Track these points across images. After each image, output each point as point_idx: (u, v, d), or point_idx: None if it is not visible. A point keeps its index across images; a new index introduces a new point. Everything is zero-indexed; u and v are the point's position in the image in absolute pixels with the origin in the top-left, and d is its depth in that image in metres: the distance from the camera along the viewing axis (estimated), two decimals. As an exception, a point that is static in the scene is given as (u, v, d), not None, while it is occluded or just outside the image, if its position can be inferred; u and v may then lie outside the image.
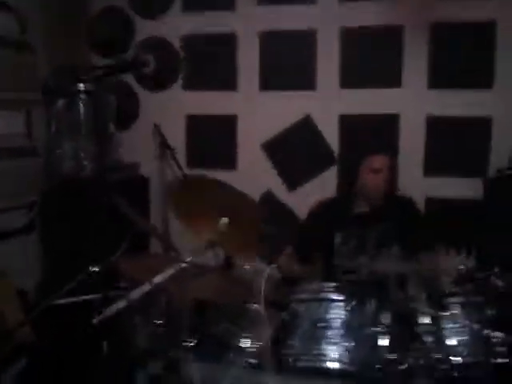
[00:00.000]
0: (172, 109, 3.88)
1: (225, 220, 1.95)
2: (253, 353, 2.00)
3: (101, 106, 3.59)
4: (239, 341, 2.04)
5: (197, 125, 3.88)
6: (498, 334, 1.95)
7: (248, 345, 2.03)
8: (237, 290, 2.09)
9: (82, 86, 3.47)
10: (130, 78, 3.97)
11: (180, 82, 3.90)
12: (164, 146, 3.06)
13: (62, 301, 2.05)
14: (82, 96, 3.48)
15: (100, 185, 3.38)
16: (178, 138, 3.78)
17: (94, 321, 1.72)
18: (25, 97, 3.42)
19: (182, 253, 2.07)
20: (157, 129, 3.06)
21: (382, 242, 2.70)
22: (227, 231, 1.94)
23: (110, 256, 2.12)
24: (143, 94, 3.98)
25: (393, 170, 2.78)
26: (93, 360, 2.07)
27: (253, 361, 1.98)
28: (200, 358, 1.97)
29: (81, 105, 3.51)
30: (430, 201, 3.41)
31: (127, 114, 3.94)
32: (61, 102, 3.50)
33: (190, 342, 2.00)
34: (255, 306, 2.03)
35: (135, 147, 3.83)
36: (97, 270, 2.14)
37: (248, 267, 2.31)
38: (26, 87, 3.40)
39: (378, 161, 2.74)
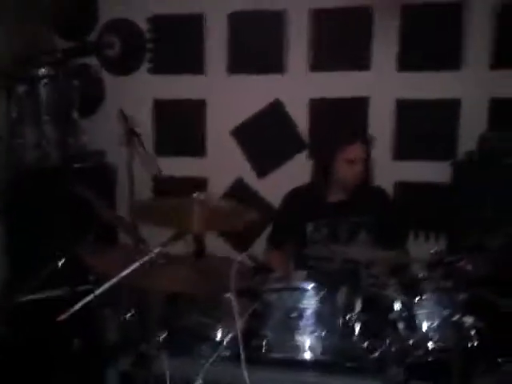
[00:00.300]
0: (138, 93, 3.78)
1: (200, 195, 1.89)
2: (225, 344, 1.97)
3: (64, 92, 3.47)
4: (211, 333, 2.01)
5: (164, 110, 3.79)
6: (468, 318, 1.97)
7: (220, 336, 2.00)
8: (207, 280, 2.05)
9: (43, 70, 3.40)
10: (94, 62, 3.85)
11: (146, 65, 3.80)
12: (130, 133, 2.96)
13: (31, 297, 1.99)
14: (44, 81, 3.39)
15: (64, 174, 3.29)
16: (145, 123, 3.69)
17: (60, 318, 1.66)
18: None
19: (151, 244, 2.02)
20: (122, 114, 2.95)
21: (354, 230, 2.70)
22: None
23: (75, 247, 2.06)
24: (108, 78, 3.87)
25: (368, 159, 2.73)
26: (63, 357, 2.02)
27: (225, 353, 1.96)
28: (172, 351, 1.94)
29: (43, 90, 3.40)
30: (398, 185, 3.42)
31: (92, 100, 3.83)
32: (22, 88, 3.38)
33: (161, 335, 1.96)
34: (227, 296, 2.01)
35: (101, 134, 3.71)
36: (63, 263, 2.08)
37: (219, 256, 2.27)
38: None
39: (353, 151, 2.68)
